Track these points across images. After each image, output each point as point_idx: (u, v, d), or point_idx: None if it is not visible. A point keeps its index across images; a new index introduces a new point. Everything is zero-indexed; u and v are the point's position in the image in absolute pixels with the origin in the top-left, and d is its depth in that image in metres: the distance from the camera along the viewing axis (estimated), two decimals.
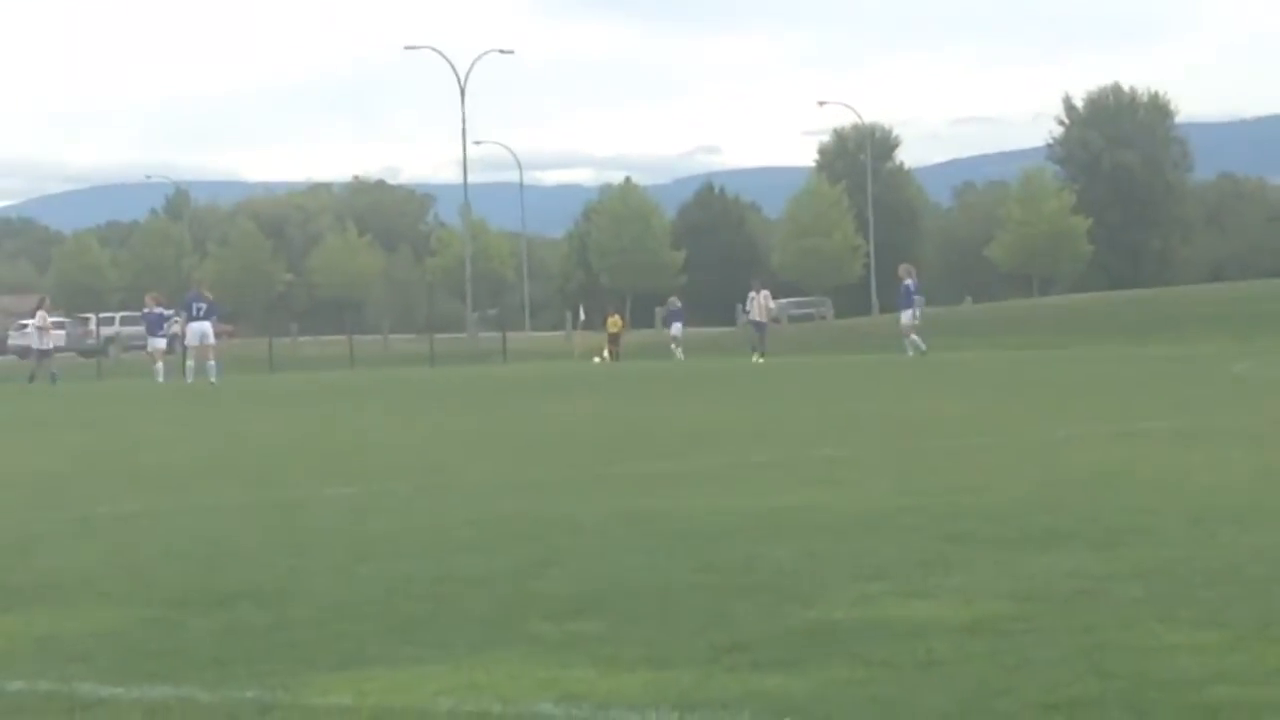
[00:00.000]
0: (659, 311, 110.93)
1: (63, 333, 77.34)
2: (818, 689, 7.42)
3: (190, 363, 57.91)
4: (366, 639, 8.93)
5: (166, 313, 66.01)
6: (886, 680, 7.58)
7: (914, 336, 59.04)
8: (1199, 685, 7.29)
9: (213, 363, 57.13)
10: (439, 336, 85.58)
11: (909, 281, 61.50)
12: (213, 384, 52.69)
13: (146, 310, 66.98)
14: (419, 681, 7.80)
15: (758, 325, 64.68)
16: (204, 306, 60.13)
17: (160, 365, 59.86)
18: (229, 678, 8.00)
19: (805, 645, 8.37)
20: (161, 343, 62.63)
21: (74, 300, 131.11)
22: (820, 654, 8.17)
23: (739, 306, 68.00)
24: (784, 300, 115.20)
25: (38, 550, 13.29)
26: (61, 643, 9.16)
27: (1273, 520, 12.75)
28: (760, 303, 65.69)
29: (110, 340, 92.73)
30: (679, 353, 70.40)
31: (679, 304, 78.17)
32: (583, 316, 79.21)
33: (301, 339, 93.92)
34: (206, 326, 58.20)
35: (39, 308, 68.82)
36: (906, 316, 60.88)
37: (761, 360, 59.49)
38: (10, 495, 18.32)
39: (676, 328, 73.90)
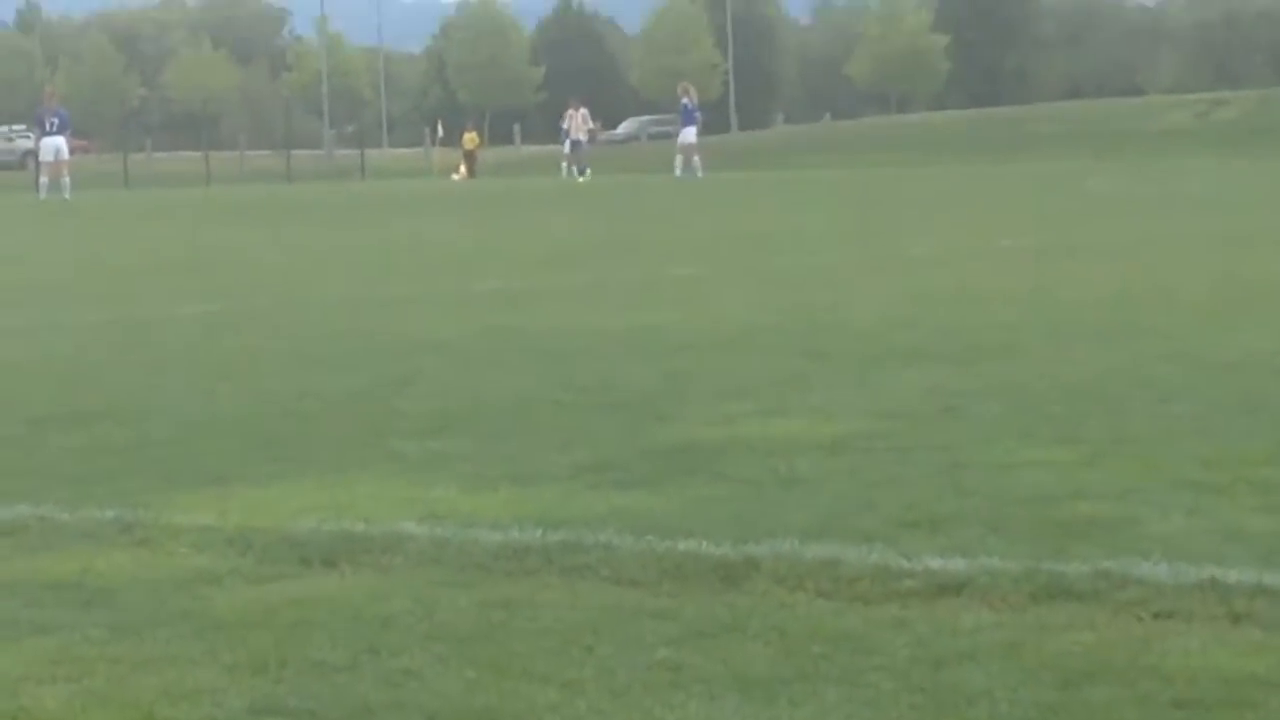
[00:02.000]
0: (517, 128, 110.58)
1: None
2: (679, 507, 7.43)
3: (44, 179, 57.43)
4: (227, 457, 8.88)
5: None
6: (748, 498, 7.60)
7: (695, 159, 58.76)
8: (1056, 501, 7.33)
9: (66, 179, 56.66)
10: (296, 153, 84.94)
11: (686, 100, 61.39)
12: (66, 200, 52.20)
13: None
14: (281, 499, 7.75)
15: (575, 144, 64.12)
16: (57, 121, 59.75)
17: None
18: (88, 497, 7.92)
19: (666, 463, 8.37)
20: None
21: None
22: (682, 472, 8.17)
23: (561, 126, 65.96)
24: (644, 118, 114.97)
25: None
26: None
27: (1128, 336, 12.85)
28: (578, 121, 65.06)
29: None
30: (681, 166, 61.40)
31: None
32: (441, 133, 78.71)
33: (156, 155, 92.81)
34: (60, 142, 57.79)
35: None
36: (688, 135, 60.66)
37: (583, 179, 58.87)
38: None
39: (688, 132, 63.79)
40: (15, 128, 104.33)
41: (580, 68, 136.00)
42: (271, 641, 5.70)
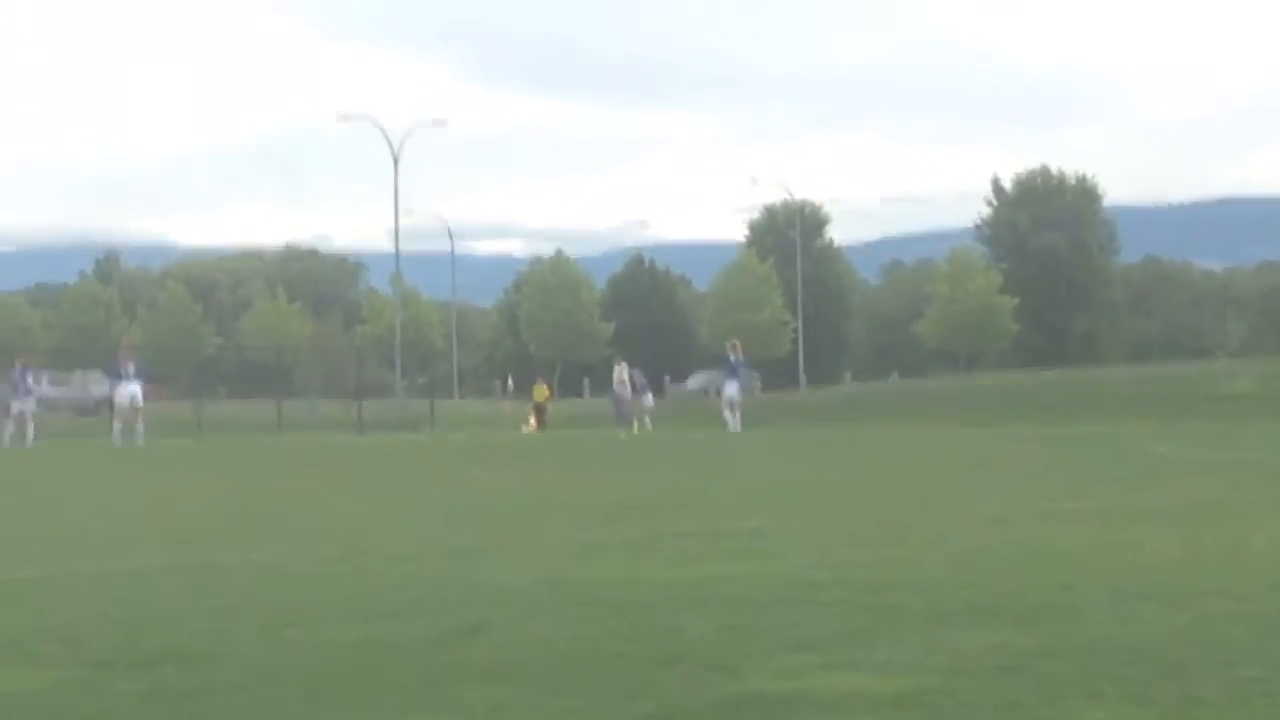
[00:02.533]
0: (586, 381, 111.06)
1: None
2: None
3: (118, 424, 57.86)
4: (291, 704, 8.91)
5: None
6: None
7: (737, 414, 59.02)
8: None
9: (140, 425, 57.15)
10: (368, 402, 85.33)
11: (732, 356, 61.90)
12: (139, 447, 52.57)
13: (16, 371, 67.11)
14: None
15: (619, 399, 64.19)
16: (132, 368, 60.43)
17: (11, 429, 60.37)
18: None
19: (730, 716, 8.38)
20: (23, 404, 62.80)
21: (6, 360, 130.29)
22: None
23: (667, 378, 66.38)
24: (714, 372, 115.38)
25: None
26: None
27: (1191, 600, 12.80)
28: (620, 376, 65.31)
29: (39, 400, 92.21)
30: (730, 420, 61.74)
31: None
32: (511, 386, 79.12)
33: (229, 402, 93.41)
34: (136, 389, 58.38)
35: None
36: (731, 389, 61.11)
37: (624, 436, 58.64)
38: None
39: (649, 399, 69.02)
40: (91, 373, 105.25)
41: (650, 323, 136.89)
42: None
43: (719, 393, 65.47)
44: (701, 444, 49.78)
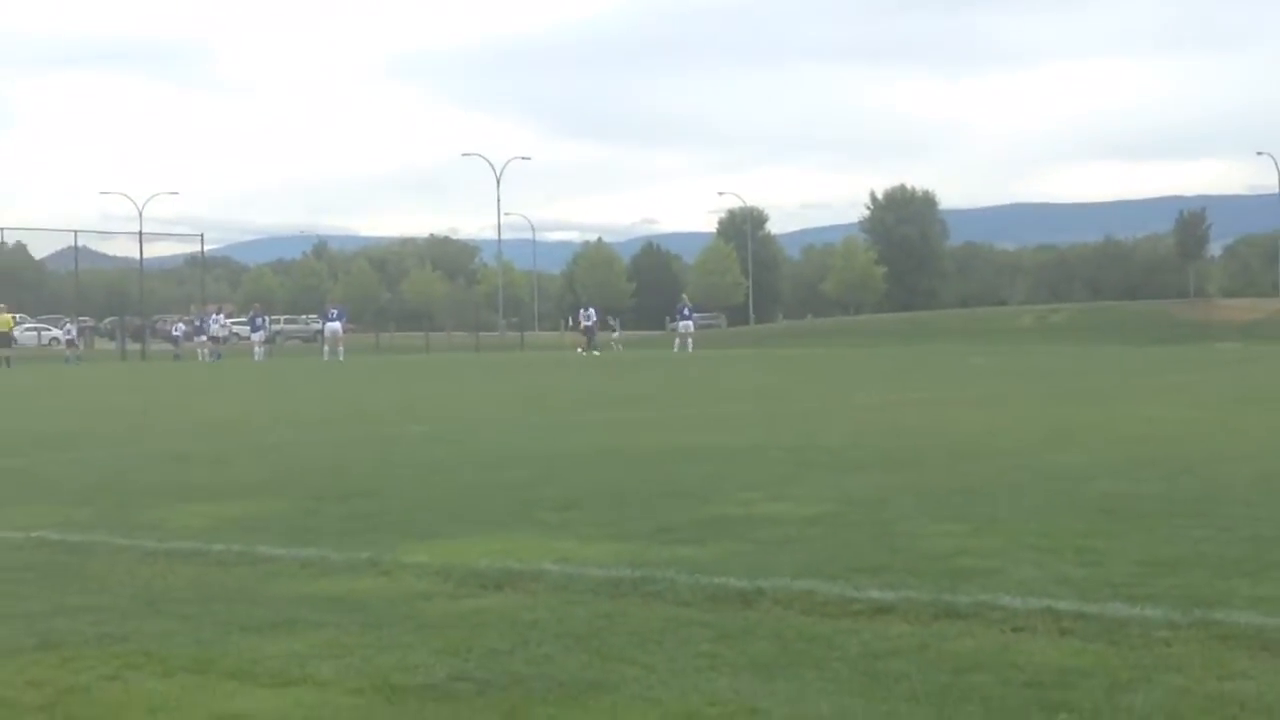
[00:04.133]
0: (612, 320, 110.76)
1: (230, 328, 76.72)
2: (715, 556, 7.42)
3: (326, 348, 58.16)
4: (435, 521, 8.91)
5: (261, 318, 66.66)
6: (758, 552, 7.58)
7: (689, 341, 59.43)
8: (951, 557, 7.30)
9: (341, 349, 57.36)
10: (481, 334, 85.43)
11: (684, 306, 62.98)
12: (340, 362, 52.72)
13: (252, 314, 67.64)
14: (468, 548, 7.77)
15: (588, 330, 63.79)
16: (336, 312, 60.99)
17: (258, 350, 60.68)
18: (351, 544, 7.96)
19: (707, 529, 8.37)
20: (260, 335, 63.33)
21: (254, 308, 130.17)
22: (717, 535, 8.16)
23: (666, 318, 66.00)
24: (698, 315, 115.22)
25: (231, 463, 13.24)
26: (246, 521, 9.13)
27: (994, 455, 12.78)
28: (587, 316, 65.08)
29: (277, 334, 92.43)
30: (678, 345, 61.12)
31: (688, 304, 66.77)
32: (571, 323, 78.89)
33: (395, 334, 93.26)
34: (338, 326, 58.88)
35: (218, 312, 69.26)
36: (686, 326, 61.74)
37: (595, 353, 58.15)
38: (211, 431, 18.25)
39: (684, 325, 63.22)
40: (310, 316, 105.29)
41: (656, 283, 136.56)
42: (463, 635, 5.71)
43: (674, 328, 65.61)
44: (678, 360, 49.79)
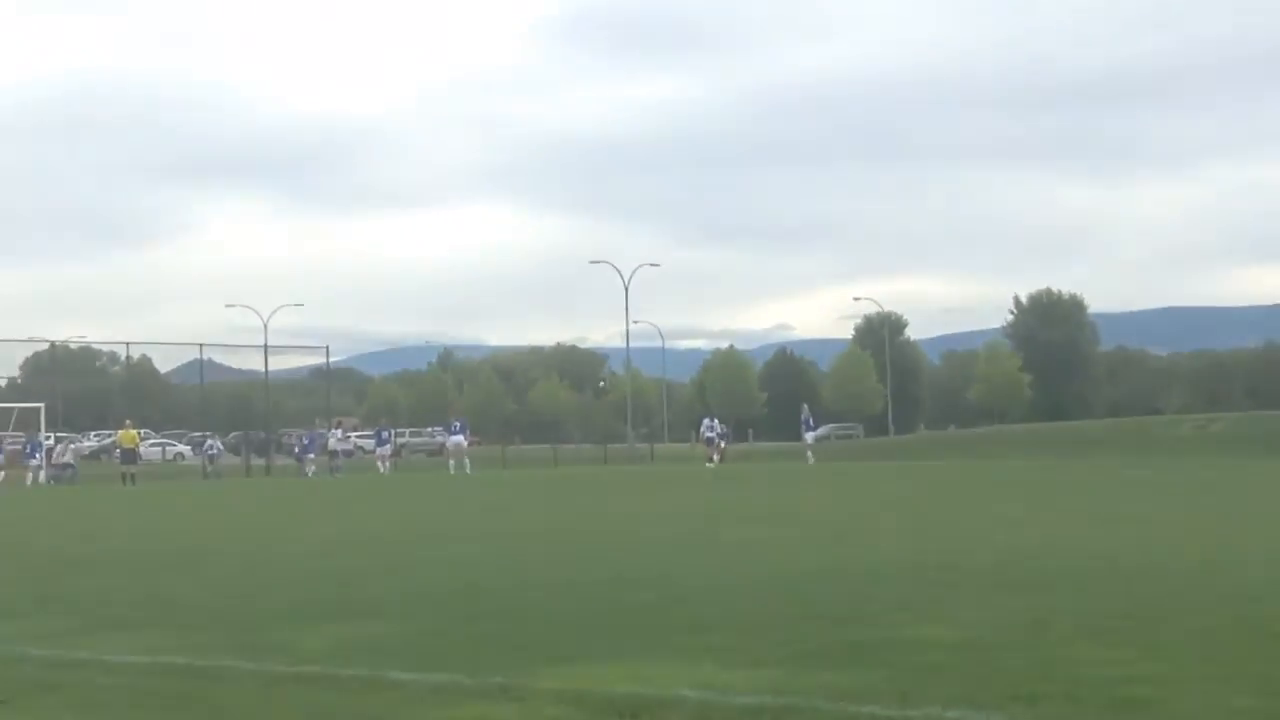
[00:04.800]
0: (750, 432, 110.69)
1: (354, 441, 77.89)
2: (861, 683, 7.32)
3: (452, 461, 58.69)
4: (568, 644, 8.89)
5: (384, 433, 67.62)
6: (906, 678, 7.46)
7: (809, 453, 59.14)
8: (1113, 685, 7.14)
9: (466, 460, 57.87)
10: (610, 446, 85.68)
11: (806, 415, 62.59)
12: (467, 475, 53.16)
13: (378, 428, 68.72)
14: (602, 673, 7.74)
15: (709, 441, 63.44)
16: (459, 424, 61.80)
17: (383, 463, 61.42)
18: (482, 668, 7.96)
19: (851, 654, 8.27)
20: (386, 449, 64.21)
21: (380, 422, 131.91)
22: (861, 660, 8.06)
23: (802, 423, 65.09)
24: (831, 425, 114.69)
25: (358, 582, 13.32)
26: (375, 642, 9.15)
27: (1150, 575, 12.50)
28: (709, 427, 64.75)
29: (402, 446, 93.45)
30: (810, 456, 61.03)
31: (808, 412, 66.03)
32: (703, 433, 78.72)
33: (523, 446, 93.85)
34: (461, 439, 59.66)
35: (338, 426, 70.43)
36: (808, 436, 61.40)
37: (711, 466, 57.88)
38: (337, 549, 18.38)
39: (809, 436, 63.44)
40: (435, 428, 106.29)
41: (790, 392, 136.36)
42: None
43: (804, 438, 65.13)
44: (810, 472, 49.45)
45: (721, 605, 10.77)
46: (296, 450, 69.30)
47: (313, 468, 63.80)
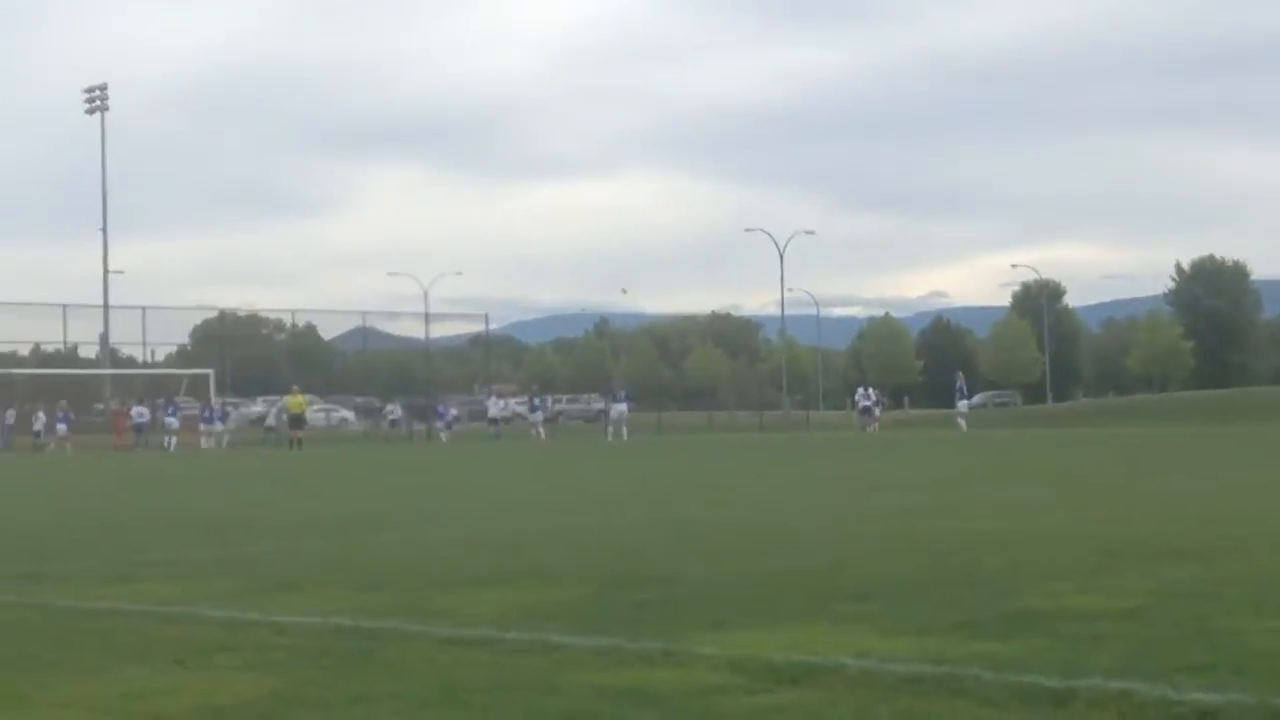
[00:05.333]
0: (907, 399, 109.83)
1: (511, 408, 78.84)
2: (1022, 653, 7.26)
3: (611, 429, 59.02)
4: (727, 611, 8.93)
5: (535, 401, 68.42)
6: (1068, 648, 7.39)
7: (961, 420, 58.31)
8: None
9: (625, 428, 58.15)
10: (765, 413, 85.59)
11: (960, 384, 61.61)
12: (625, 443, 53.44)
13: (531, 395, 69.43)
14: (761, 640, 7.76)
15: (865, 410, 63.06)
16: (623, 393, 62.08)
17: (537, 430, 61.96)
18: (643, 633, 8.04)
19: (1012, 623, 8.20)
20: (539, 415, 64.90)
21: (532, 389, 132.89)
22: (1022, 629, 7.99)
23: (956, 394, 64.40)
24: (990, 392, 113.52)
25: (520, 548, 13.51)
26: (538, 607, 9.30)
27: None
28: (864, 395, 64.31)
29: (559, 413, 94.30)
30: (963, 424, 60.56)
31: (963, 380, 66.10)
32: (859, 402, 78.39)
33: (677, 413, 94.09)
34: (623, 406, 59.88)
35: (498, 394, 71.40)
36: (962, 405, 60.55)
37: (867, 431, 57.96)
38: (499, 514, 18.65)
39: (963, 404, 63.54)
40: (591, 395, 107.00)
41: (946, 359, 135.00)
42: None
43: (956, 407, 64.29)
44: (966, 441, 48.95)
45: (881, 572, 10.75)
46: (440, 419, 70.09)
47: (446, 435, 64.65)
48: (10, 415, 62.20)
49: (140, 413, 61.90)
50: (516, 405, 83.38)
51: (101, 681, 7.08)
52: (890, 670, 6.83)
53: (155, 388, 69.65)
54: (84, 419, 65.41)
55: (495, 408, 68.89)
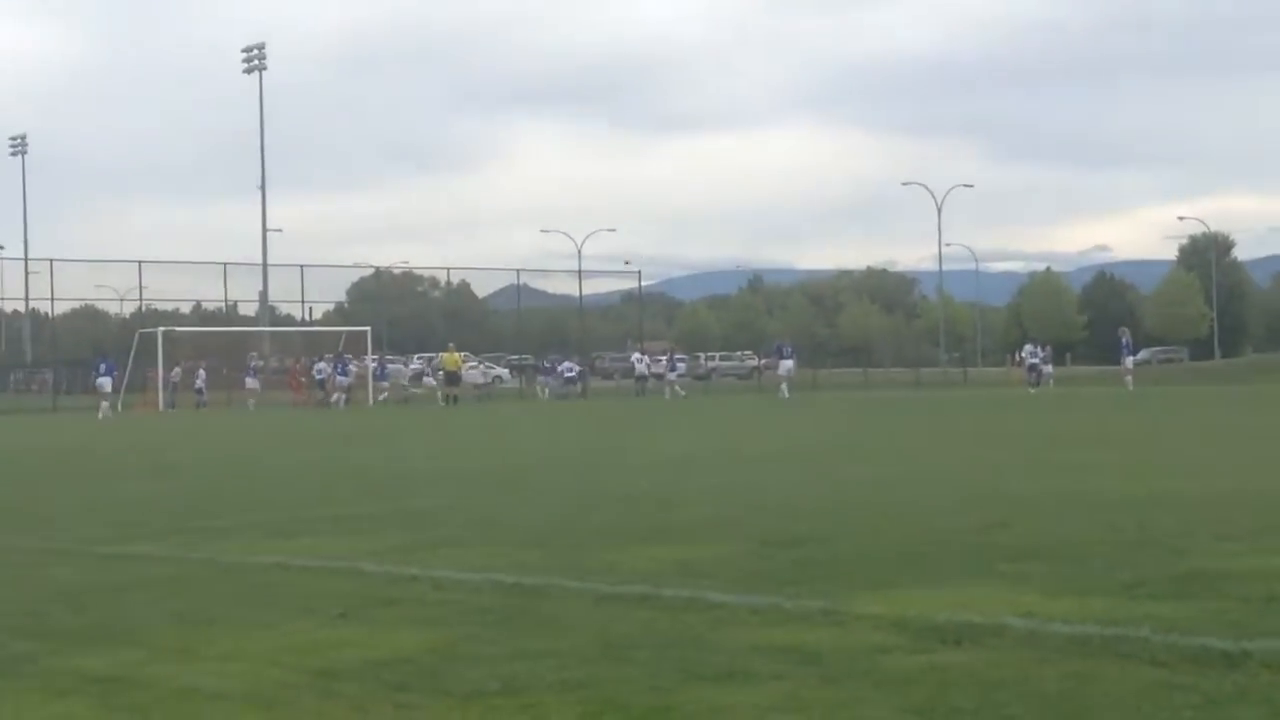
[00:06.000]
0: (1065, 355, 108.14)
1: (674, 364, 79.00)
2: (1193, 615, 7.12)
3: (783, 385, 58.58)
4: (888, 570, 8.88)
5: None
6: (1241, 610, 7.23)
7: (1129, 378, 56.60)
8: None
9: (785, 387, 57.95)
10: (922, 370, 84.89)
11: (1125, 340, 59.69)
12: (785, 398, 53.48)
13: (669, 353, 69.46)
14: (924, 599, 7.70)
15: (1032, 367, 61.56)
16: (790, 349, 61.96)
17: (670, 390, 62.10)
18: (802, 592, 8.02)
19: (1183, 584, 8.04)
20: (674, 374, 65.05)
21: (689, 345, 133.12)
22: (1194, 591, 7.83)
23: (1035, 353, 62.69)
24: (1155, 348, 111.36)
25: (678, 504, 13.54)
26: (695, 564, 9.32)
27: None
28: (1032, 353, 62.73)
29: (712, 370, 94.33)
30: (1130, 381, 57.81)
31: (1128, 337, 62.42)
32: (1018, 359, 77.25)
33: (833, 370, 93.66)
34: (791, 363, 59.78)
35: (644, 351, 71.54)
36: (1128, 363, 58.85)
37: (1033, 391, 56.54)
38: (655, 470, 18.69)
39: (1128, 360, 60.30)
40: (745, 352, 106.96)
41: (1110, 315, 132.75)
42: (925, 693, 5.67)
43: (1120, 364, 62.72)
44: (1132, 397, 48.05)
45: (1045, 531, 10.61)
46: (547, 376, 69.81)
47: (547, 392, 64.86)
48: (176, 373, 63.55)
49: (321, 369, 62.79)
50: (652, 363, 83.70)
51: (267, 635, 7.23)
52: (1056, 631, 6.74)
53: (313, 345, 70.84)
54: (240, 375, 66.63)
55: (640, 365, 69.18)
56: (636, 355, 72.22)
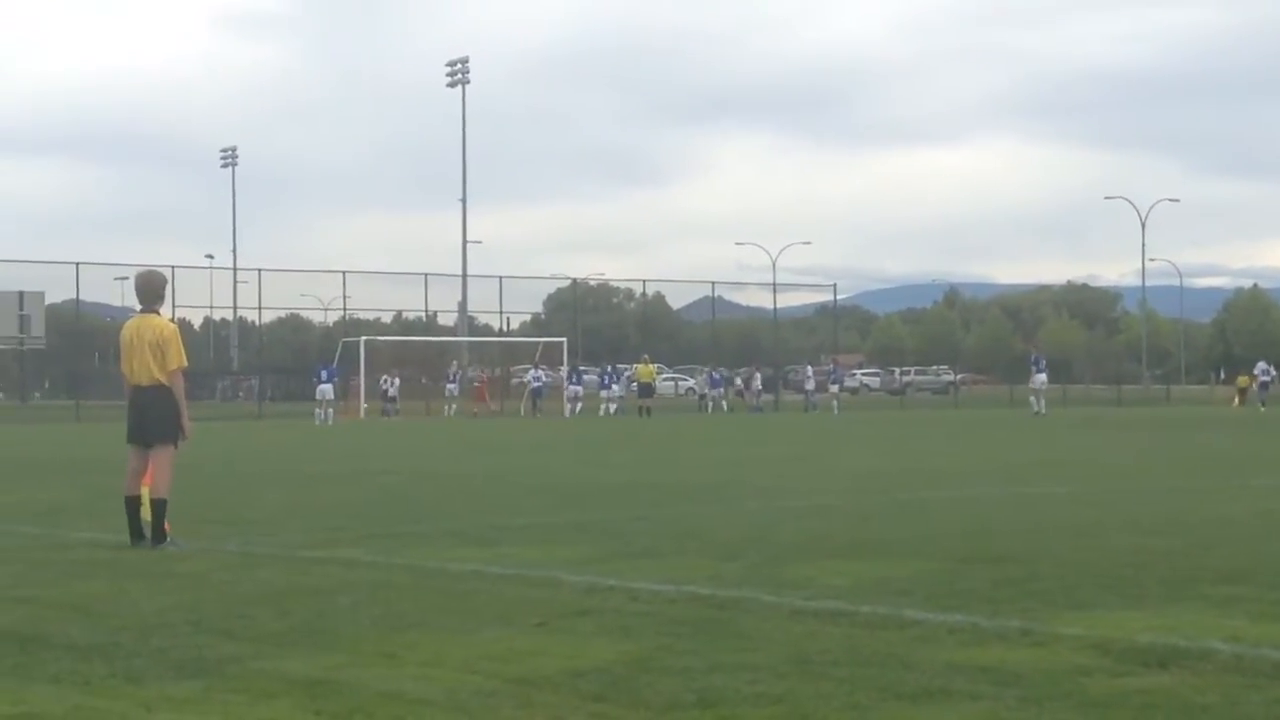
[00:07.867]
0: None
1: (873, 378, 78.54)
2: None
3: (1034, 399, 54.99)
4: (1089, 591, 8.73)
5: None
6: None
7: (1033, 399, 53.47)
8: None
9: (1042, 399, 54.50)
10: (1123, 387, 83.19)
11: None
12: (1042, 413, 51.43)
13: (832, 369, 68.70)
14: (1126, 621, 7.56)
15: (1264, 385, 58.94)
16: (1042, 361, 56.33)
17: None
18: (1001, 611, 7.93)
19: None
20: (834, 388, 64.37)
21: (884, 359, 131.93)
22: None
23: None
24: None
25: (873, 519, 13.46)
26: (892, 581, 9.25)
27: None
28: (1265, 370, 60.24)
29: (907, 385, 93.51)
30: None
31: None
32: (1259, 376, 74.92)
33: (1018, 386, 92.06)
34: (1044, 376, 54.72)
35: (834, 363, 71.24)
36: (1265, 376, 56.24)
37: (1263, 409, 54.24)
38: (850, 485, 18.60)
39: None
40: (941, 367, 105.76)
41: None
42: (1128, 716, 5.59)
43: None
44: None
45: (1253, 554, 10.34)
46: (811, 386, 69.69)
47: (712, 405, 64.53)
48: (385, 381, 64.39)
49: (536, 377, 63.03)
50: (864, 376, 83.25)
51: (467, 642, 7.34)
52: (1264, 656, 6.58)
53: (510, 355, 71.61)
54: (440, 385, 67.44)
55: (810, 381, 69.03)
56: (807, 368, 72.06)
